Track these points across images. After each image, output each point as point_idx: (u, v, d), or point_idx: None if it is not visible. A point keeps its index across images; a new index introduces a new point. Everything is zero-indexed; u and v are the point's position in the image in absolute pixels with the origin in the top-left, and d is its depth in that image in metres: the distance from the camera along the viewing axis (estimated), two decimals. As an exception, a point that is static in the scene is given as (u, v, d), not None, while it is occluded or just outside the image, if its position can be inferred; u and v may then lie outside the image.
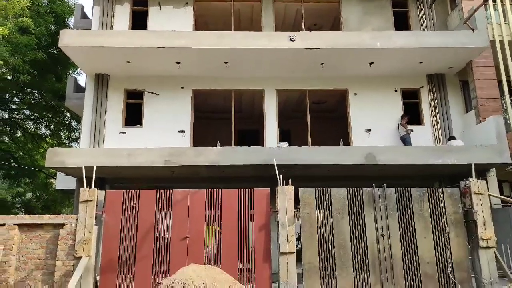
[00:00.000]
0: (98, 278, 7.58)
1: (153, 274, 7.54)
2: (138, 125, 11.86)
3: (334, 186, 8.18)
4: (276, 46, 10.72)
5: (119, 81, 12.04)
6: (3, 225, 7.37)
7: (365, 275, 7.61)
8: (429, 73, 12.21)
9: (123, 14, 12.58)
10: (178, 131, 11.75)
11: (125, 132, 11.70)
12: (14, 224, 7.42)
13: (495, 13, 12.03)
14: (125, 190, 8.01)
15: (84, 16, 15.09)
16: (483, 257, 7.54)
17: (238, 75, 12.06)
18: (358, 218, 7.93)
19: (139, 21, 12.65)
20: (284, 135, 12.81)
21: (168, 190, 8.05)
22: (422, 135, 11.75)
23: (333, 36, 11.04)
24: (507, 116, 11.43)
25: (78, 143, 16.29)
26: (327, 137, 12.89)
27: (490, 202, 8.53)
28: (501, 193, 10.77)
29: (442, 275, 7.59)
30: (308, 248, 7.80)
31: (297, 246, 8.07)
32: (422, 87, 12.25)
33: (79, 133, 15.39)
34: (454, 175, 10.56)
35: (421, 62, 11.49)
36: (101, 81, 11.98)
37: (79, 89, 14.41)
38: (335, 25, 13.74)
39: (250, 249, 7.81)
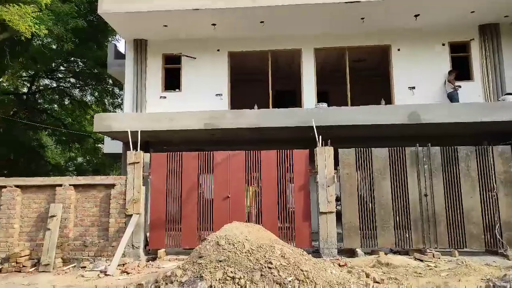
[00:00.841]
0: (148, 234, 8.14)
1: (198, 230, 7.97)
2: (177, 90, 12.07)
3: (376, 146, 8.01)
4: (314, 1, 10.24)
5: (157, 46, 12.18)
6: (60, 185, 8.00)
7: (407, 234, 7.59)
8: (482, 24, 11.24)
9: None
10: (216, 95, 11.85)
11: (165, 97, 11.97)
12: (70, 185, 8.02)
13: None
14: (169, 153, 8.35)
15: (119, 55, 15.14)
16: (535, 218, 7.23)
17: (274, 35, 11.76)
18: (400, 178, 7.80)
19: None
20: (322, 97, 12.52)
21: (209, 152, 8.29)
22: (471, 91, 11.03)
23: (374, -13, 10.32)
24: None
25: (121, 109, 16.90)
26: (368, 97, 12.42)
27: (546, 161, 8.00)
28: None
29: (488, 234, 7.40)
30: (348, 208, 7.84)
31: (336, 206, 8.14)
32: (473, 39, 11.34)
33: (122, 99, 15.96)
34: (505, 133, 9.95)
35: (473, 12, 10.55)
36: (140, 46, 12.17)
37: (119, 55, 14.76)
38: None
39: (289, 209, 7.98)
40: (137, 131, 8.56)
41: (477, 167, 7.61)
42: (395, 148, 7.91)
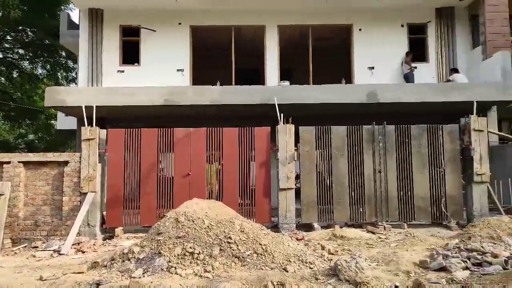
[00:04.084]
0: (104, 213, 7.93)
1: (157, 208, 7.87)
2: (136, 64, 11.60)
3: (335, 125, 8.19)
4: (278, -24, 10.08)
5: (114, 17, 11.54)
6: (8, 162, 7.54)
7: (361, 209, 7.94)
8: (438, 7, 11.62)
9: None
10: (177, 70, 11.53)
11: (123, 71, 11.48)
12: (19, 162, 7.58)
13: None
14: (127, 129, 8.08)
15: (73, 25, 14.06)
16: (476, 192, 7.79)
17: (238, 9, 11.51)
18: (356, 155, 8.07)
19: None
20: (286, 74, 12.55)
21: (169, 129, 8.11)
22: (426, 72, 11.50)
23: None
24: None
25: (76, 83, 16.01)
26: (330, 76, 12.61)
27: (488, 140, 8.59)
28: (500, 131, 10.80)
29: (435, 207, 7.91)
30: (307, 184, 8.04)
31: (296, 184, 8.33)
32: (430, 21, 11.72)
33: (76, 73, 15.10)
34: (455, 113, 10.49)
35: (430, -6, 10.88)
36: (96, 16, 11.48)
37: (73, 25, 13.88)
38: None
39: (250, 186, 8.05)
40: (92, 106, 8.17)
41: (428, 144, 8.02)
42: (353, 126, 8.13)
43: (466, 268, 4.71)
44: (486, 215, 7.56)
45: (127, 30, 11.69)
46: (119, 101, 9.65)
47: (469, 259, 4.90)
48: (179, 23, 11.66)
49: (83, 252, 6.44)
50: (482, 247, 5.15)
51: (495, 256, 4.84)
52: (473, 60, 11.29)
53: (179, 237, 5.21)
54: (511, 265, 4.57)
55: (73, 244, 6.76)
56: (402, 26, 11.75)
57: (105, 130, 8.09)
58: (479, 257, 4.88)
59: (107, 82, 11.32)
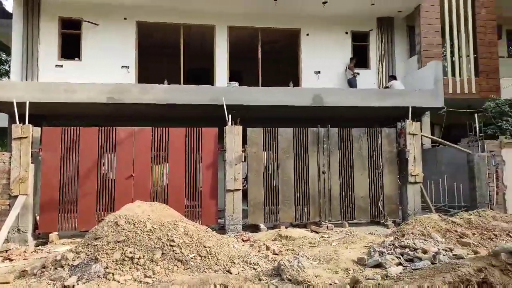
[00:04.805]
0: (37, 217, 7.38)
1: (97, 211, 7.47)
2: (77, 59, 10.96)
3: (282, 127, 8.34)
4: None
5: (52, 7, 10.81)
6: None
7: (306, 209, 8.16)
8: (379, 16, 12.30)
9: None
10: (122, 67, 11.08)
11: (61, 66, 10.79)
12: None
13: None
14: (64, 127, 7.59)
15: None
16: (410, 191, 8.33)
17: (188, 8, 11.31)
18: (302, 157, 8.27)
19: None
20: (236, 76, 12.57)
21: (111, 128, 7.74)
22: (368, 78, 12.12)
23: (287, -30, 10.56)
24: (445, 63, 12.02)
25: (8, 77, 14.76)
26: (279, 78, 12.86)
27: (422, 143, 9.23)
28: (432, 134, 11.68)
29: (374, 207, 8.34)
30: (254, 185, 8.09)
31: (244, 186, 8.34)
32: (372, 30, 12.38)
33: (10, 66, 13.94)
34: (393, 117, 11.17)
35: (373, 4, 11.47)
36: (32, 5, 10.67)
37: (7, 15, 12.78)
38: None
39: (197, 188, 7.93)
40: (26, 102, 7.56)
41: (368, 147, 8.44)
42: (299, 128, 8.33)
43: (400, 264, 5.00)
44: (419, 213, 8.11)
45: (67, 23, 11.01)
46: (56, 98, 9.05)
47: (402, 255, 5.21)
48: (125, 18, 11.21)
49: (11, 260, 5.92)
50: (414, 243, 5.49)
51: (424, 252, 5.19)
52: (410, 68, 12.11)
53: (118, 242, 4.98)
54: (438, 260, 4.93)
55: (0, 252, 6.20)
56: (346, 33, 12.29)
57: (40, 128, 7.53)
58: (411, 253, 5.21)
59: (44, 77, 10.58)
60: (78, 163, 7.53)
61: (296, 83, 11.93)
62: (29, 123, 7.28)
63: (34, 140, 7.28)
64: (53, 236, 7.15)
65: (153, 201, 7.48)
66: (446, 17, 11.92)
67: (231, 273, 4.71)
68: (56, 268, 4.71)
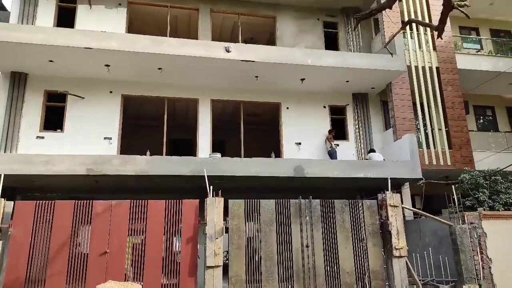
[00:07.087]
0: (-1, 300, 6.76)
1: (66, 293, 6.92)
2: (59, 130, 10.97)
3: (264, 197, 8.26)
4: (212, 55, 10.69)
5: (39, 81, 11.08)
6: None
7: (290, 285, 7.77)
8: (354, 92, 13.07)
9: (48, 10, 11.69)
10: (104, 138, 11.10)
11: (43, 137, 10.74)
12: None
13: (412, 41, 13.29)
14: (38, 201, 7.31)
15: (1, 7, 13.75)
16: (396, 266, 8.11)
17: (172, 83, 11.80)
18: (285, 229, 8.08)
19: (67, 19, 11.83)
20: (218, 145, 12.75)
21: (87, 201, 7.50)
22: (347, 150, 12.47)
23: (267, 50, 11.33)
24: (419, 136, 12.57)
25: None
26: (260, 149, 13.09)
27: (404, 214, 9.25)
28: (413, 206, 11.76)
29: (360, 283, 8.02)
30: (236, 261, 7.75)
31: (225, 258, 7.99)
32: (348, 104, 13.06)
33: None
34: (374, 188, 11.30)
35: (347, 81, 12.25)
36: (18, 80, 10.92)
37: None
38: (270, 40, 14.14)
39: (176, 263, 7.54)
40: (0, 175, 7.36)
41: (350, 219, 8.36)
42: (281, 200, 8.27)
43: None
44: (407, 289, 7.83)
45: (52, 95, 11.22)
46: (34, 170, 8.88)
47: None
48: (111, 92, 11.53)
49: None
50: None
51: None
52: (387, 140, 12.58)
53: (85, 331, 4.55)
54: None
55: None
56: (325, 107, 12.90)
57: (12, 202, 7.24)
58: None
59: (24, 148, 10.45)
60: (50, 239, 7.14)
61: (278, 154, 12.14)
62: (1, 197, 7.02)
63: (4, 215, 6.96)
64: (13, 322, 6.50)
65: (128, 279, 7.06)
66: (416, 93, 12.73)
67: None
68: None
